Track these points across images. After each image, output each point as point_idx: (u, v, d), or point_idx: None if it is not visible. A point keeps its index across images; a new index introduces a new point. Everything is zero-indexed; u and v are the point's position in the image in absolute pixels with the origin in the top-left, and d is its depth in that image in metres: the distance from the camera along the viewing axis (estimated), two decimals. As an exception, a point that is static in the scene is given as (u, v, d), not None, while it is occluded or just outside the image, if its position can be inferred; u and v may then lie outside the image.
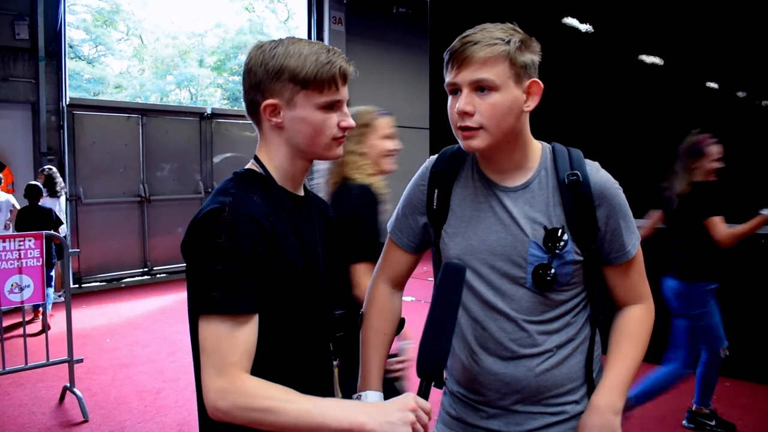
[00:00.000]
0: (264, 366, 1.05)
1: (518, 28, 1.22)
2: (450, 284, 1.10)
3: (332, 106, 1.11)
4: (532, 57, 1.20)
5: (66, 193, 6.45)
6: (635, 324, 1.29)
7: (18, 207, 5.82)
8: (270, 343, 1.08)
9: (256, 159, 1.18)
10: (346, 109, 1.14)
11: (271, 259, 1.06)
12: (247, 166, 1.19)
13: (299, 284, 1.13)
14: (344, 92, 1.13)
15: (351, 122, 1.14)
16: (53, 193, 6.16)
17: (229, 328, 1.00)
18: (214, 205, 1.03)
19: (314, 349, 1.19)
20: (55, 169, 6.37)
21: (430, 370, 1.06)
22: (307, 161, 1.18)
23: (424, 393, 1.04)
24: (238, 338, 1.00)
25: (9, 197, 5.97)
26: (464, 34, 1.19)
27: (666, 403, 3.55)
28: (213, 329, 1.00)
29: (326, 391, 1.22)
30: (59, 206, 6.25)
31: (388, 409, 0.97)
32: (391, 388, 1.67)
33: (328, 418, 0.95)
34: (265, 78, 1.10)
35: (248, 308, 1.01)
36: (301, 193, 1.23)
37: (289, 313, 1.12)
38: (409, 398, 0.99)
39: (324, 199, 1.63)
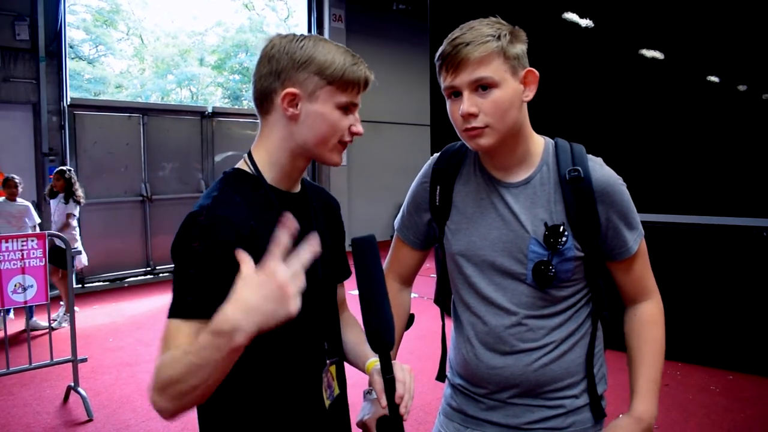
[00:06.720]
0: (246, 366, 1.03)
1: (502, 20, 1.22)
2: (367, 257, 1.07)
3: (348, 108, 1.12)
4: (522, 47, 1.21)
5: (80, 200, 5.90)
6: (653, 325, 1.30)
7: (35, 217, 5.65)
8: (254, 341, 1.07)
9: (249, 156, 1.15)
10: (358, 116, 1.15)
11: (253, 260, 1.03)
12: (237, 165, 1.15)
13: None
14: (360, 99, 1.14)
15: (361, 129, 1.14)
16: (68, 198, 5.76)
17: (194, 331, 0.96)
18: (195, 208, 1.04)
19: (304, 346, 1.15)
20: (73, 172, 5.95)
21: (382, 343, 1.03)
22: (306, 160, 1.15)
23: (385, 368, 1.03)
24: None
25: (24, 204, 5.73)
26: (452, 36, 1.19)
27: None
28: (181, 329, 0.97)
29: (315, 391, 1.17)
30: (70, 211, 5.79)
31: (246, 294, 0.85)
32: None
33: (198, 346, 0.88)
34: (290, 66, 1.07)
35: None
36: (297, 189, 1.20)
37: None
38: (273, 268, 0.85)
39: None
